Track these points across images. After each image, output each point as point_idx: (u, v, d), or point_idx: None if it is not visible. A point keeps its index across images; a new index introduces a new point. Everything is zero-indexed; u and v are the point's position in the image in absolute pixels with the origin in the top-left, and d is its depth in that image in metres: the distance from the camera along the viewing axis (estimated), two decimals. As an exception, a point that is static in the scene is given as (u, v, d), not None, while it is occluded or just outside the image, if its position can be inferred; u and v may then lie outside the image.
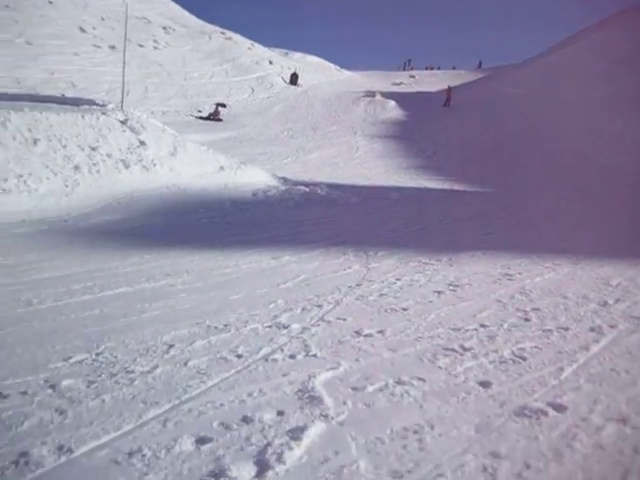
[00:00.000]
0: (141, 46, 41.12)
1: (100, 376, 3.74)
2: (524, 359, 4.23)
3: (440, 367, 4.03)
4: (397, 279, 6.77)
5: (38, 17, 39.43)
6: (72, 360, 4.01)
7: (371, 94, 39.15)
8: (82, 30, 40.54)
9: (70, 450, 2.81)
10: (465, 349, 4.40)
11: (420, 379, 3.78)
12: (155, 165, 12.92)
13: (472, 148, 25.23)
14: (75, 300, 5.57)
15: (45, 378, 3.68)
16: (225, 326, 4.79)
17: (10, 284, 6.09)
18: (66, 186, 10.93)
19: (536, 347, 4.51)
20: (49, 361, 3.98)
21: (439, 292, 6.20)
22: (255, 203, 12.37)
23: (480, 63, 63.06)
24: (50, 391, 3.49)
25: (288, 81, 41.96)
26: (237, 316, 5.07)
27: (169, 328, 4.70)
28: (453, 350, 4.37)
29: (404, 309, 5.47)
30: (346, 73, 56.64)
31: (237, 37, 52.20)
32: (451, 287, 6.44)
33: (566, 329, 5.00)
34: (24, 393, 3.44)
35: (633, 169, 19.29)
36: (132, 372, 3.81)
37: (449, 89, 36.84)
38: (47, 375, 3.73)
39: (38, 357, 4.06)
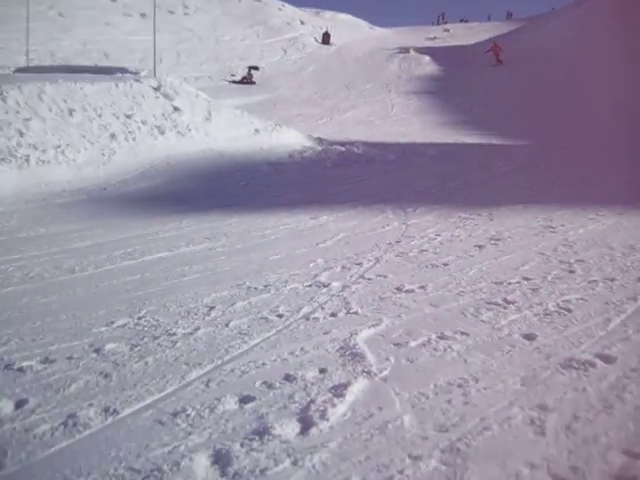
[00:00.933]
0: (171, 12, 40.98)
1: (143, 339, 3.77)
2: (569, 311, 4.14)
3: (483, 321, 3.96)
4: (437, 235, 6.68)
5: (68, -13, 39.44)
6: (115, 325, 4.05)
7: (405, 50, 38.49)
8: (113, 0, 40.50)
9: (116, 412, 2.83)
10: (508, 302, 4.32)
11: (463, 333, 3.72)
12: (190, 130, 12.93)
13: (510, 101, 24.67)
14: (116, 266, 5.64)
15: (89, 343, 3.72)
16: (265, 287, 4.78)
17: (53, 253, 6.19)
18: (103, 155, 11.01)
19: (582, 299, 4.41)
20: (93, 326, 4.03)
21: (480, 246, 6.11)
22: (292, 164, 12.31)
23: (510, 14, 61.47)
24: (95, 355, 3.53)
25: (320, 41, 41.47)
26: (277, 276, 5.07)
27: (210, 290, 4.72)
28: (496, 304, 4.29)
29: (445, 264, 5.40)
30: (378, 30, 55.70)
31: (267, -2, 51.57)
32: (492, 241, 6.34)
33: (612, 280, 4.88)
34: (70, 358, 3.49)
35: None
36: (174, 334, 3.83)
37: (495, 45, 33.71)
38: (91, 340, 3.78)
39: (82, 323, 4.11)
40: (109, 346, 3.63)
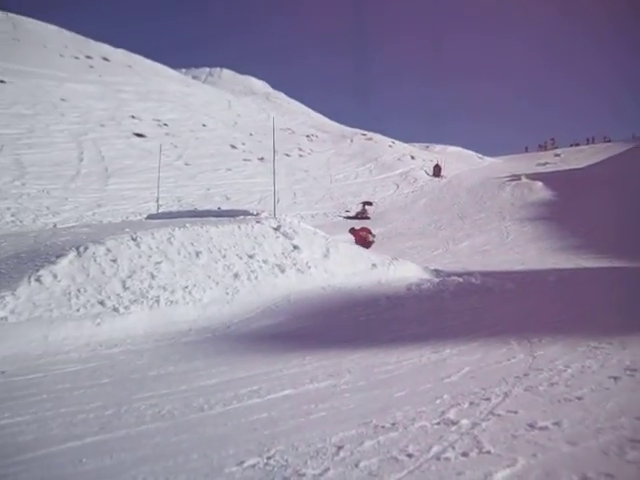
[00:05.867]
0: (287, 155, 43.30)
1: (273, 480, 3.77)
2: None
3: (630, 461, 3.71)
4: (566, 366, 6.40)
5: (194, 140, 42.71)
6: (245, 464, 4.08)
7: (516, 177, 38.71)
8: (233, 147, 43.41)
9: None
10: (656, 440, 4.04)
11: (608, 475, 3.49)
12: (309, 267, 13.27)
13: (629, 223, 23.99)
14: (243, 404, 5.71)
15: (222, 484, 3.76)
16: (392, 425, 4.70)
17: (182, 391, 6.35)
18: (227, 294, 11.43)
19: None
20: (224, 466, 4.07)
21: (615, 378, 5.79)
22: (410, 297, 12.31)
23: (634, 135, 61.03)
24: (228, 497, 3.55)
25: (431, 173, 42.42)
26: (403, 414, 4.98)
27: (337, 429, 4.68)
28: (642, 442, 4.02)
29: (579, 398, 5.15)
30: (488, 160, 56.48)
31: (377, 137, 53.81)
32: (628, 372, 6.00)
33: None
34: (205, 498, 3.53)
35: None
36: (304, 475, 3.81)
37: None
38: (223, 480, 3.82)
39: (213, 462, 4.16)
40: (241, 487, 3.65)
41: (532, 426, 4.45)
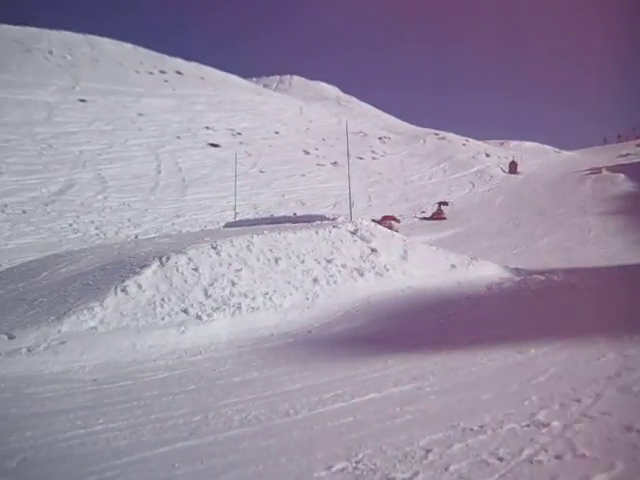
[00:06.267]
0: (360, 158, 43.37)
1: (363, 484, 3.78)
2: None
3: None
4: (662, 365, 6.17)
5: (267, 147, 43.26)
6: (334, 469, 4.09)
7: (597, 170, 37.67)
8: (306, 152, 43.78)
9: None
10: None
11: None
12: (388, 270, 13.21)
13: None
14: (328, 408, 5.74)
15: (309, 487, 3.78)
16: (481, 427, 4.63)
17: (267, 396, 6.43)
18: (307, 299, 11.49)
19: None
20: (313, 470, 4.10)
21: None
22: (490, 297, 12.10)
23: None
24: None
25: (507, 170, 41.74)
26: (491, 416, 4.89)
27: (424, 432, 4.64)
28: None
29: (678, 399, 4.95)
30: (565, 154, 55.24)
31: (450, 135, 53.31)
32: None
33: None
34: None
35: None
36: (393, 479, 3.79)
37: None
38: (312, 484, 3.84)
39: (302, 466, 4.20)
40: (331, 492, 3.67)
41: (629, 429, 4.30)
